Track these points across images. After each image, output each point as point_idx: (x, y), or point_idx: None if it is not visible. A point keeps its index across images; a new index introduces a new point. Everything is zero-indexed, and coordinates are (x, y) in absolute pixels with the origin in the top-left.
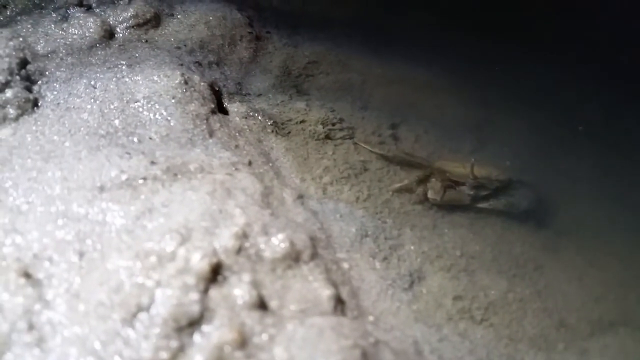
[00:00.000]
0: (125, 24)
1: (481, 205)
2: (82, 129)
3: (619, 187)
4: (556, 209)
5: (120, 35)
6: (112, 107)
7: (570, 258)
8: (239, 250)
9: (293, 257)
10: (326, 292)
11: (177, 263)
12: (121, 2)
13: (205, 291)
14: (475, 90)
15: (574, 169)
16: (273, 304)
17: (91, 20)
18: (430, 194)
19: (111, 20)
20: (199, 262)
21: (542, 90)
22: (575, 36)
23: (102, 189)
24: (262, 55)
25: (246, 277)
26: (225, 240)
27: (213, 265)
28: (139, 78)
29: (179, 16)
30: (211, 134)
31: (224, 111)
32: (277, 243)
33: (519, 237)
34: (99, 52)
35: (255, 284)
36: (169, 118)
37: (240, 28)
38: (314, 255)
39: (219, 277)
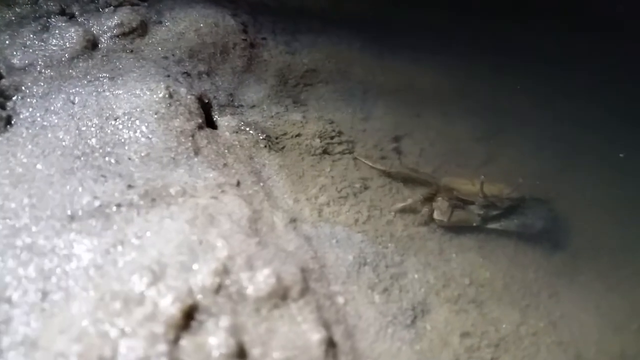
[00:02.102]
0: (109, 33)
1: (492, 226)
2: (56, 149)
3: None
4: (573, 228)
5: (104, 45)
6: (90, 124)
7: (587, 283)
8: (219, 289)
9: (280, 295)
10: (316, 337)
11: (145, 308)
12: (106, 10)
13: (175, 341)
14: (486, 97)
15: (593, 184)
16: (255, 352)
17: (73, 30)
18: (436, 215)
19: (95, 30)
20: (170, 307)
21: (559, 96)
22: (596, 37)
23: (72, 218)
24: (257, 63)
25: (225, 321)
26: (203, 277)
27: (186, 309)
28: (121, 92)
29: (167, 24)
30: (197, 151)
31: (213, 125)
32: (263, 279)
33: (532, 261)
34: (81, 64)
35: (235, 330)
36: (150, 136)
37: (234, 35)
38: (305, 291)
39: (193, 323)
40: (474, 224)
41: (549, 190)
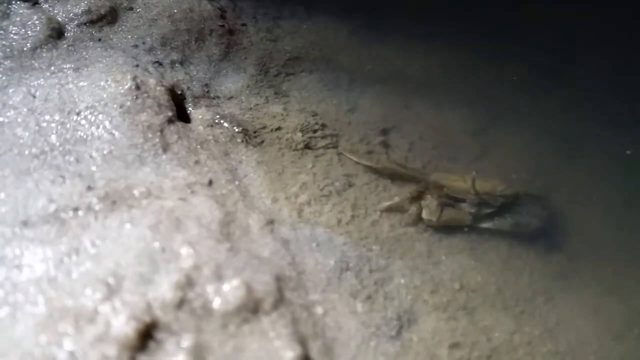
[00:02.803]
0: (76, 20)
1: (485, 225)
2: (13, 147)
3: None
4: (570, 228)
5: (71, 33)
6: (51, 120)
7: (585, 286)
8: (181, 304)
9: (250, 308)
10: (289, 355)
11: (97, 326)
12: None
13: None
14: (480, 87)
15: (594, 182)
16: None
17: (36, 17)
18: (425, 214)
19: (60, 17)
20: (124, 326)
21: (560, 86)
22: (590, 26)
23: (25, 224)
24: (236, 51)
25: (187, 340)
26: (164, 291)
27: (142, 328)
28: (85, 84)
29: (139, 10)
30: (165, 148)
31: (186, 119)
32: (231, 291)
33: (527, 263)
34: (44, 55)
35: (198, 350)
36: (113, 131)
37: (210, 21)
38: (279, 302)
39: (151, 343)
40: (466, 224)
41: (546, 187)
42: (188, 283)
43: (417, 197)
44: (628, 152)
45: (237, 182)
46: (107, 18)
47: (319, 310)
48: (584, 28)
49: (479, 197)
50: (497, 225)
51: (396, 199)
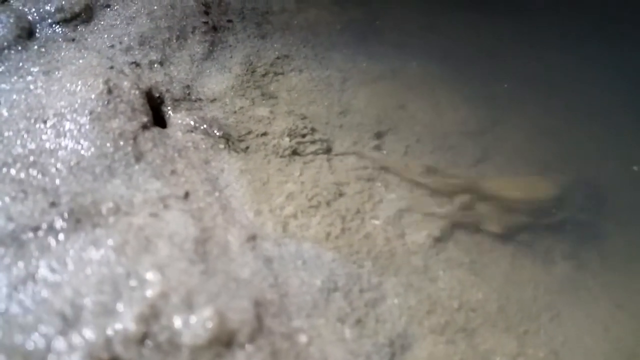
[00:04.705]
0: (48, 19)
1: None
2: None
3: None
4: (575, 235)
5: (42, 34)
6: (16, 129)
7: (594, 300)
8: (145, 338)
9: (224, 341)
10: None
11: None
12: None
13: None
14: (480, 86)
15: (598, 181)
16: None
17: (4, 16)
18: (487, 225)
19: (31, 16)
20: None
21: (566, 85)
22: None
23: None
24: (220, 49)
25: None
26: (126, 322)
27: None
28: (55, 88)
29: (116, 7)
30: (139, 157)
31: (164, 124)
32: (201, 322)
33: (531, 277)
34: (12, 57)
35: None
36: (82, 140)
37: (193, 17)
38: (257, 332)
39: None
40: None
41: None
42: (153, 314)
43: (468, 207)
44: (635, 168)
45: (217, 194)
46: (82, 16)
47: (303, 338)
48: (588, 25)
49: (533, 204)
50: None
51: (444, 210)
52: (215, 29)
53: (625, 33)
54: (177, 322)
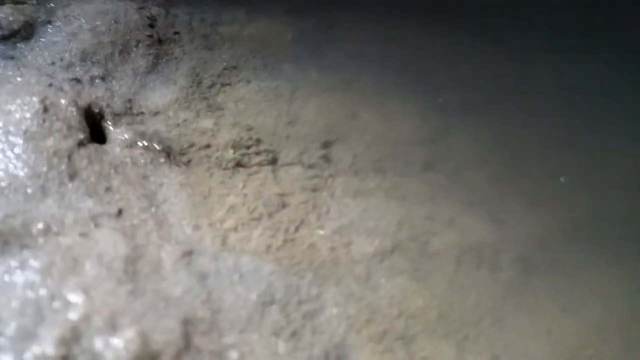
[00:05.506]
0: None
1: None
2: None
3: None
4: (522, 238)
5: None
6: None
7: (538, 304)
8: None
9: None
10: None
11: None
12: None
13: None
14: (432, 95)
15: (544, 189)
16: None
17: None
18: None
19: None
20: None
21: (511, 92)
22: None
23: None
24: (166, 62)
25: None
26: (45, 347)
27: None
28: None
29: (58, 23)
30: (73, 175)
31: (105, 140)
32: (123, 344)
33: (474, 283)
34: None
35: None
36: (15, 161)
37: (137, 31)
38: (184, 351)
39: None
40: None
41: (497, 197)
42: (74, 336)
43: None
44: (562, 179)
45: (153, 210)
46: (22, 33)
47: (233, 355)
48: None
49: None
50: None
51: None
52: (160, 41)
53: (581, 39)
54: (99, 344)
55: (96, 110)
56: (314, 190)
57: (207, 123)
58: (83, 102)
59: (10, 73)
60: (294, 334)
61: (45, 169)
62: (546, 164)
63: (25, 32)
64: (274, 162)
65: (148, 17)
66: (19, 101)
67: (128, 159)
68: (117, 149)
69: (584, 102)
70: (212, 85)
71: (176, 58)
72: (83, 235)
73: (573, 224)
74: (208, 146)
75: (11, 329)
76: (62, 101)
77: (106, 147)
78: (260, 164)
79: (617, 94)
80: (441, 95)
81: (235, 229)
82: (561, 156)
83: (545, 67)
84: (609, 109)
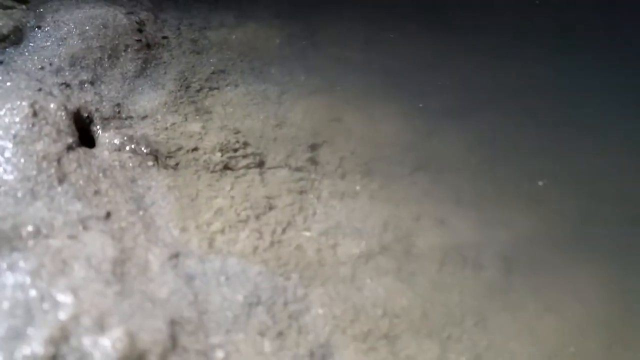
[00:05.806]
0: None
1: None
2: None
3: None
4: (506, 239)
5: None
6: None
7: (521, 304)
8: None
9: None
10: None
11: None
12: None
13: None
14: (418, 98)
15: (526, 191)
16: None
17: None
18: None
19: None
20: None
21: (494, 94)
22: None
23: None
24: (154, 66)
25: None
26: (35, 347)
27: None
28: None
29: (47, 28)
30: (62, 179)
31: (93, 144)
32: (110, 344)
33: (458, 282)
34: None
35: None
36: (5, 165)
37: (125, 36)
38: (170, 351)
39: None
40: None
41: (481, 196)
42: (63, 336)
43: None
44: (540, 183)
45: (141, 212)
46: (11, 38)
47: (220, 354)
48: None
49: None
50: None
51: None
52: (149, 46)
53: (566, 45)
54: (87, 343)
55: (85, 115)
56: (301, 192)
57: (195, 127)
58: (72, 106)
59: (0, 78)
60: (279, 334)
61: (34, 172)
62: (528, 166)
63: (15, 37)
64: (261, 164)
65: (137, 22)
66: (8, 105)
67: (116, 163)
68: (106, 153)
69: (567, 105)
70: (200, 89)
71: (164, 62)
72: (72, 237)
73: (555, 225)
74: (196, 149)
75: (1, 329)
76: (52, 105)
77: (95, 150)
78: (247, 167)
79: (600, 96)
80: (424, 98)
81: (222, 231)
82: (543, 158)
83: (527, 69)
84: (592, 112)
